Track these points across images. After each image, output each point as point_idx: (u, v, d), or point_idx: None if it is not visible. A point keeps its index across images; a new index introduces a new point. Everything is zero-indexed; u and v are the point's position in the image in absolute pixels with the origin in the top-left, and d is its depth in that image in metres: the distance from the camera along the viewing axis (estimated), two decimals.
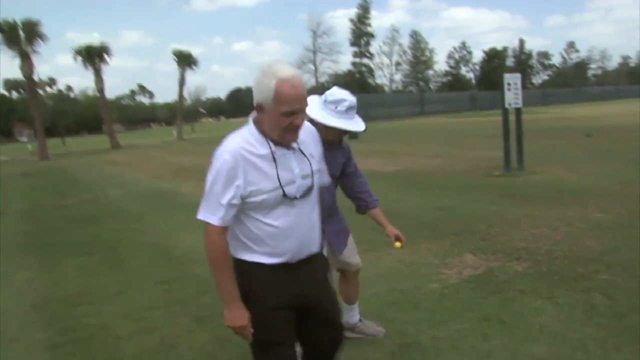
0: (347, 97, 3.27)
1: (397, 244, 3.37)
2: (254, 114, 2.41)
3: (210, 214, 2.35)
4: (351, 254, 3.77)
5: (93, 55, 42.73)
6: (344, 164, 3.56)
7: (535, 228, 6.71)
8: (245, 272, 2.45)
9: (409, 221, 7.43)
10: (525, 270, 5.17)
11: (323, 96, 3.33)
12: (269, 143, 2.37)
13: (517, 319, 4.04)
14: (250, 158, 2.35)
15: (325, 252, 3.44)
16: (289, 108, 2.28)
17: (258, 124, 2.39)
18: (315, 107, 3.26)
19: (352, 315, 3.97)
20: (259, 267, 2.45)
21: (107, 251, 7.42)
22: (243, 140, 2.39)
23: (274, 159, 2.38)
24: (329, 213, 3.50)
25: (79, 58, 42.73)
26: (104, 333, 4.51)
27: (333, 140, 3.37)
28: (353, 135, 26.93)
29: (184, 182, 14.74)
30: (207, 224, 2.36)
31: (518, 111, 11.61)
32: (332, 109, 3.25)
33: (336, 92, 3.31)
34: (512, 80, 11.30)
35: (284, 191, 2.38)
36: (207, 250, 2.38)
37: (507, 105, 11.28)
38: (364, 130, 3.33)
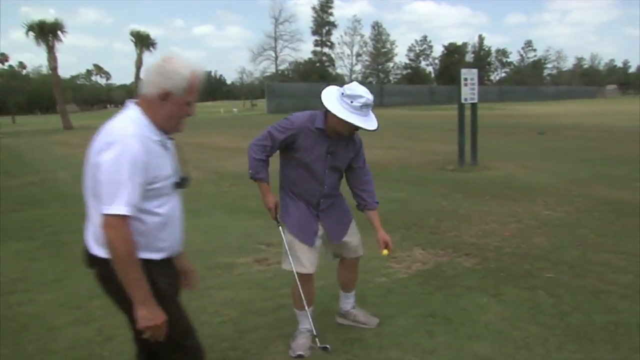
0: (365, 95, 3.24)
1: (384, 251, 3.47)
2: (135, 101, 2.35)
3: (120, 205, 2.14)
4: (351, 242, 3.74)
5: (46, 32, 41.09)
6: (352, 158, 3.57)
7: (485, 224, 6.74)
8: (145, 270, 2.25)
9: (358, 212, 7.37)
10: (474, 267, 5.17)
11: (341, 89, 3.31)
12: (157, 131, 2.32)
13: (462, 316, 4.02)
14: (150, 144, 2.25)
15: (320, 239, 3.60)
16: (192, 98, 2.33)
17: (147, 111, 2.30)
18: (331, 98, 3.27)
19: (347, 302, 3.95)
20: (152, 264, 2.31)
21: (49, 236, 7.13)
22: (138, 125, 2.27)
23: (166, 147, 2.35)
24: (329, 202, 3.58)
25: (31, 34, 41.19)
26: (38, 323, 4.29)
27: (342, 133, 3.38)
28: None
29: None
30: (116, 216, 2.13)
31: (474, 106, 11.69)
32: (347, 103, 3.23)
33: (354, 88, 3.29)
34: (469, 75, 11.36)
35: (176, 179, 2.39)
36: (118, 247, 2.14)
37: (463, 100, 11.34)
38: (375, 130, 3.30)
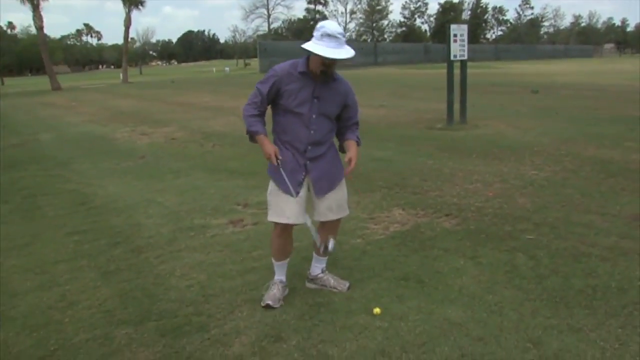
0: (326, 25, 3.27)
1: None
2: None
3: None
4: (336, 199, 3.64)
5: None
6: (342, 107, 3.53)
7: (469, 183, 6.59)
8: None
9: None
10: (453, 228, 5.02)
11: None
12: None
13: (436, 280, 3.88)
14: None
15: (306, 189, 3.52)
16: None
17: None
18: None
19: (317, 266, 3.86)
20: None
21: (23, 199, 6.96)
22: None
23: None
24: (318, 152, 3.49)
25: None
26: (0, 289, 4.14)
27: (315, 71, 3.33)
28: None
29: (120, 126, 14.13)
30: None
31: (463, 64, 11.41)
32: (315, 37, 3.27)
33: (322, 22, 3.35)
34: (458, 31, 11.05)
35: None
36: None
37: (452, 57, 11.05)
38: (336, 59, 3.23)
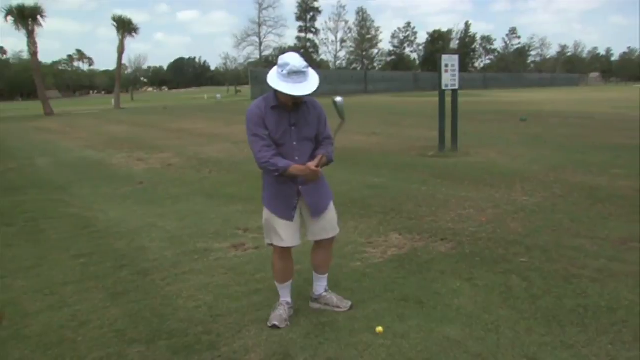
0: (291, 62, 3.34)
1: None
2: None
3: None
4: (329, 219, 3.83)
5: (26, 16, 40.59)
6: (317, 127, 3.67)
7: (462, 209, 6.79)
8: None
9: (338, 198, 7.31)
10: (449, 251, 5.20)
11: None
12: None
13: (435, 300, 4.05)
14: None
15: (300, 215, 3.72)
16: None
17: None
18: (273, 72, 3.44)
19: (320, 285, 4.01)
20: None
21: (26, 222, 7.07)
22: None
23: None
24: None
25: (10, 18, 40.56)
26: (12, 309, 4.25)
27: (288, 103, 3.50)
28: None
29: (116, 152, 14.28)
30: None
31: (454, 93, 11.72)
32: (279, 73, 3.38)
33: (284, 57, 3.46)
34: (449, 61, 11.38)
35: None
36: None
37: (443, 87, 11.36)
38: (303, 95, 3.39)
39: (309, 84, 3.40)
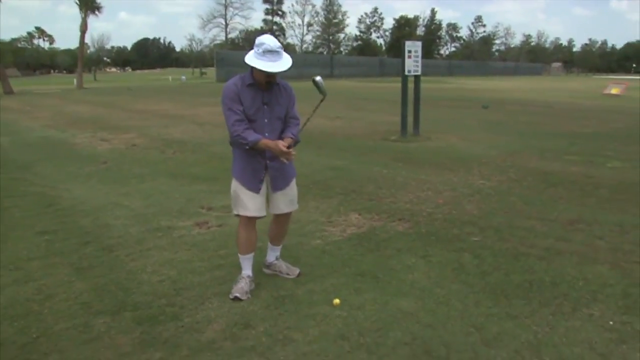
0: (266, 41, 3.60)
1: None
2: None
3: None
4: (289, 194, 4.08)
5: None
6: (288, 106, 3.91)
7: (421, 191, 7.01)
8: None
9: (300, 179, 7.40)
10: (406, 230, 5.41)
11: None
12: None
13: (390, 275, 4.25)
14: None
15: (265, 187, 3.92)
16: None
17: None
18: (250, 53, 3.68)
19: (272, 254, 4.29)
20: None
21: None
22: None
23: None
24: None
25: None
26: None
27: (261, 81, 3.71)
28: None
29: (79, 132, 14.12)
30: None
31: (417, 79, 11.93)
32: (256, 52, 3.63)
33: (261, 37, 3.69)
34: (412, 47, 11.57)
35: None
36: None
37: (406, 73, 11.56)
38: (277, 72, 3.61)
39: (282, 62, 3.64)
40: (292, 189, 4.11)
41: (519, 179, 7.70)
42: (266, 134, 3.80)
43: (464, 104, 22.70)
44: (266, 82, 3.72)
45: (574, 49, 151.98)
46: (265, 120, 3.81)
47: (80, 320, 3.59)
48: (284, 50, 3.68)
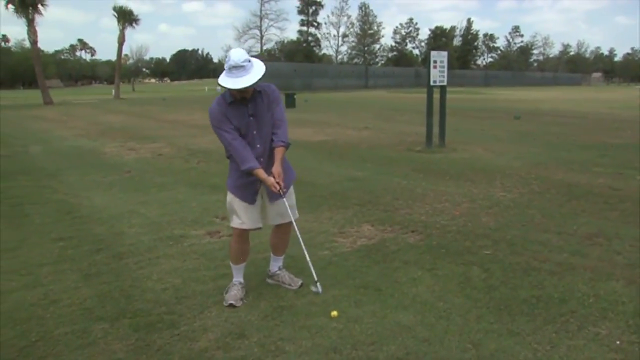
0: (232, 56, 3.57)
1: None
2: None
3: None
4: (285, 207, 3.99)
5: (27, 4, 40.62)
6: (273, 111, 3.85)
7: (438, 203, 6.93)
8: None
9: (318, 190, 7.59)
10: (416, 243, 5.34)
11: None
12: None
13: (393, 288, 4.19)
14: None
15: (260, 198, 3.93)
16: None
17: None
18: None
19: (275, 265, 4.30)
20: None
21: (11, 207, 7.20)
22: None
23: None
24: (269, 161, 3.85)
25: (11, 6, 40.59)
26: None
27: (237, 97, 3.70)
28: (290, 103, 26.93)
29: (109, 141, 14.43)
30: None
31: (443, 89, 11.82)
32: (225, 67, 3.62)
33: (229, 52, 3.65)
34: (438, 57, 11.49)
35: None
36: None
37: (432, 83, 11.47)
38: (246, 87, 3.56)
39: (249, 77, 3.58)
40: (290, 197, 4.08)
41: (541, 191, 7.55)
42: (258, 146, 3.80)
43: (495, 114, 22.40)
44: (241, 98, 3.71)
45: (615, 59, 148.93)
46: (255, 132, 3.80)
47: (80, 326, 3.64)
48: (258, 58, 3.72)
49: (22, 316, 3.82)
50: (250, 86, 3.58)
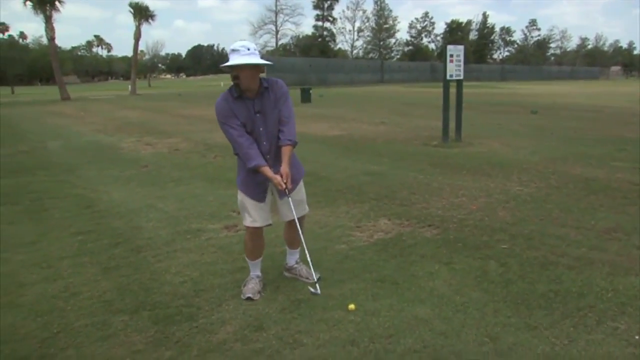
0: (237, 43, 3.63)
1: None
2: None
3: None
4: (297, 200, 4.02)
5: (44, 1, 41.03)
6: (280, 109, 3.81)
7: (455, 197, 6.91)
8: None
9: (334, 184, 7.60)
10: (433, 237, 5.34)
11: None
12: None
13: (410, 282, 4.20)
14: None
15: (269, 195, 3.95)
16: None
17: None
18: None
19: (292, 258, 4.33)
20: None
21: (32, 202, 7.30)
22: None
23: None
24: (277, 158, 3.85)
25: (29, 3, 41.01)
26: (8, 280, 4.47)
27: (248, 88, 3.68)
28: (306, 98, 26.94)
29: (126, 137, 14.54)
30: None
31: (459, 83, 11.77)
32: (229, 55, 3.65)
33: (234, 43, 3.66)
34: (455, 52, 11.43)
35: None
36: None
37: (448, 77, 11.42)
38: (244, 64, 3.56)
39: (251, 57, 3.59)
40: (299, 193, 4.09)
41: (559, 186, 7.49)
42: (264, 143, 3.79)
43: (511, 109, 22.24)
44: (247, 90, 3.68)
45: (635, 52, 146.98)
46: (261, 129, 3.77)
47: (100, 318, 3.70)
48: (259, 52, 3.68)
49: (44, 308, 3.89)
50: (256, 65, 3.59)
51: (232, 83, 3.73)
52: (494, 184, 7.65)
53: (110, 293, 4.13)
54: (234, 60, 3.57)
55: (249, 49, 3.58)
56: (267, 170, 3.73)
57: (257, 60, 3.59)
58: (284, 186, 3.73)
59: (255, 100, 3.73)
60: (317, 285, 3.98)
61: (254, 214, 3.92)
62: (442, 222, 5.82)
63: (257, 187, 3.90)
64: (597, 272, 4.35)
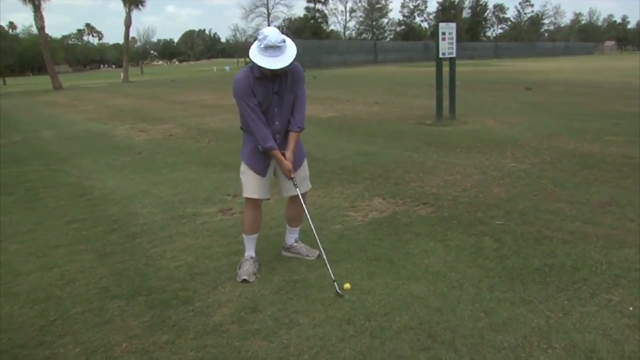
0: (269, 35, 3.55)
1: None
2: None
3: None
4: (302, 177, 4.12)
5: None
6: (295, 93, 3.88)
7: (449, 175, 6.91)
8: None
9: (328, 165, 7.60)
10: (428, 215, 5.34)
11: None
12: None
13: (405, 260, 4.21)
14: None
15: (272, 171, 4.01)
16: None
17: None
18: (254, 46, 3.62)
19: (291, 237, 4.37)
20: None
21: (26, 191, 7.28)
22: None
23: None
24: (284, 137, 3.93)
25: None
26: (5, 269, 4.47)
27: (267, 74, 3.69)
28: None
29: (120, 124, 14.49)
30: None
31: (452, 61, 11.72)
32: (258, 46, 3.57)
33: (264, 30, 3.64)
34: (447, 29, 11.37)
35: None
36: None
37: (440, 55, 11.37)
38: (278, 69, 3.58)
39: (284, 57, 3.59)
40: (304, 170, 4.16)
41: (553, 161, 7.50)
42: (276, 122, 3.85)
43: (505, 86, 22.17)
44: (272, 75, 3.71)
45: (629, 26, 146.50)
46: (276, 110, 3.84)
47: (97, 304, 3.70)
48: (292, 38, 3.70)
49: (40, 296, 3.89)
50: (287, 67, 3.60)
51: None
52: (488, 161, 7.65)
53: (106, 279, 4.14)
54: (263, 60, 3.55)
55: (280, 47, 3.56)
56: (278, 154, 3.83)
57: (287, 61, 3.59)
58: (292, 175, 3.88)
59: (275, 81, 3.76)
60: (335, 284, 3.84)
61: (254, 186, 3.99)
62: (436, 200, 5.83)
63: (262, 161, 3.96)
64: (592, 246, 4.37)
